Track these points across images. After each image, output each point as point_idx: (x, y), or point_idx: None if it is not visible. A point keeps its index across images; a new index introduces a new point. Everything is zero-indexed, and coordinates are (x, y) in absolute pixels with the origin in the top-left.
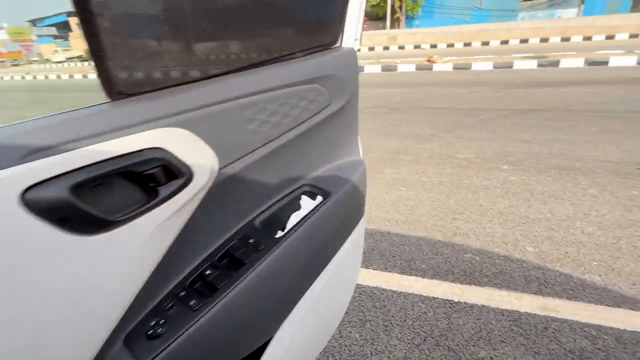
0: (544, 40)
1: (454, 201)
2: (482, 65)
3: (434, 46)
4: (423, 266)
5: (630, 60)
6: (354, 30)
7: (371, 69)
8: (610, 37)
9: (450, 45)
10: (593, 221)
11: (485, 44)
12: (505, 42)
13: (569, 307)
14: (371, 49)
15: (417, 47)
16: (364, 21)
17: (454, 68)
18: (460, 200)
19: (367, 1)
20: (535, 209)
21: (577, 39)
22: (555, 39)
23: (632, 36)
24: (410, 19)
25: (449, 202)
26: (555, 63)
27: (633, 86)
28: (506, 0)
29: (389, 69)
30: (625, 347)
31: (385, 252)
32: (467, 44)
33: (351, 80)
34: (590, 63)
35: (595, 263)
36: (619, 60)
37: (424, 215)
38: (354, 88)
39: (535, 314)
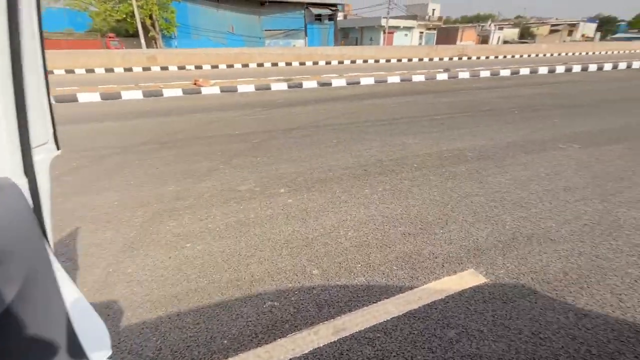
0: (288, 64)
1: (244, 244)
2: (246, 87)
3: (199, 67)
4: (225, 342)
5: (341, 82)
6: (12, 137)
7: (131, 95)
8: (328, 63)
9: (215, 67)
10: (349, 225)
11: (245, 66)
12: (260, 65)
13: (351, 319)
14: (127, 69)
15: (181, 68)
16: (111, 37)
17: (222, 91)
18: (250, 240)
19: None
20: (311, 227)
21: (309, 63)
22: (295, 63)
23: (339, 62)
24: (167, 39)
25: (239, 246)
26: (300, 85)
27: (348, 102)
28: (253, 28)
29: (152, 94)
30: (391, 337)
31: (178, 346)
32: (229, 66)
33: (17, 247)
34: (321, 84)
35: (359, 265)
36: (337, 82)
37: (216, 273)
38: (27, 253)
39: (331, 342)
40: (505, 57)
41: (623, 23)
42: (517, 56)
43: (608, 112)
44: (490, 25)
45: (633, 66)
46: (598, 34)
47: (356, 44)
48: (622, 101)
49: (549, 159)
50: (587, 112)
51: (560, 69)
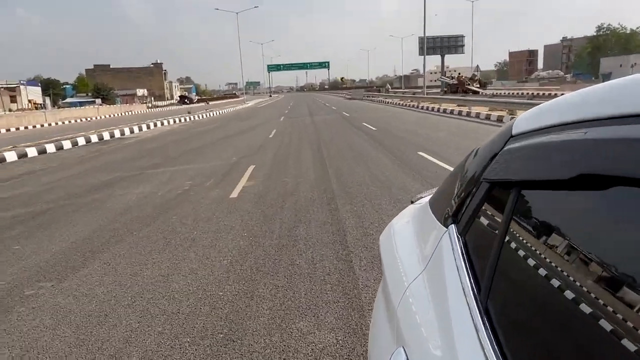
0: None
1: None
2: None
3: None
4: None
5: None
6: None
7: None
8: None
9: None
10: None
11: None
12: None
13: None
14: None
15: None
16: None
17: None
18: None
19: None
20: None
21: None
22: None
23: None
24: None
25: None
26: None
27: None
28: None
29: None
30: None
31: None
32: None
33: None
34: None
35: None
36: None
37: None
38: None
39: None
40: None
41: (69, 86)
42: None
43: (76, 213)
44: None
45: (94, 140)
46: (48, 100)
47: None
48: (98, 190)
49: (11, 325)
50: (52, 219)
51: (11, 156)
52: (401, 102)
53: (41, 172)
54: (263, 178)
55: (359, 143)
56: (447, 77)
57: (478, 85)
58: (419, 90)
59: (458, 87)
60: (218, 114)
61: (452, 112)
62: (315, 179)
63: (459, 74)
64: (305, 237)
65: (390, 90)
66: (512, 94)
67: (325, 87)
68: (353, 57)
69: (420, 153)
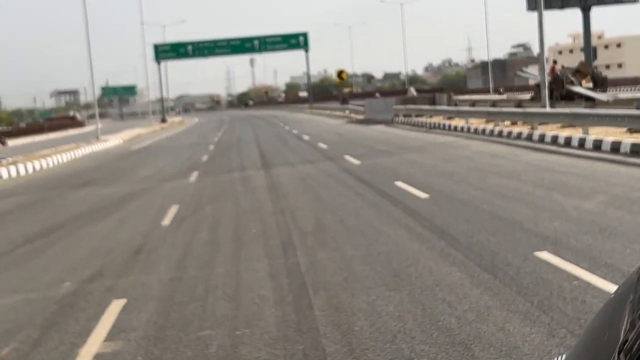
0: None
1: None
2: None
3: None
4: None
5: None
6: None
7: None
8: None
9: None
10: None
11: None
12: None
13: None
14: None
15: None
16: None
17: None
18: None
19: None
20: None
21: None
22: None
23: None
24: None
25: None
26: None
27: None
28: None
29: None
30: None
31: None
32: None
33: None
34: None
35: None
36: None
37: None
38: None
39: None
40: None
41: None
42: None
43: None
44: None
45: None
46: None
47: None
48: None
49: None
50: None
51: None
52: (486, 127)
53: None
54: (147, 330)
55: (388, 232)
56: (528, 72)
57: (592, 84)
58: (530, 97)
59: (553, 89)
60: (31, 169)
61: (615, 148)
62: (278, 327)
63: (555, 62)
64: None
65: (415, 94)
66: None
67: (301, 93)
68: (365, 23)
69: (541, 254)
